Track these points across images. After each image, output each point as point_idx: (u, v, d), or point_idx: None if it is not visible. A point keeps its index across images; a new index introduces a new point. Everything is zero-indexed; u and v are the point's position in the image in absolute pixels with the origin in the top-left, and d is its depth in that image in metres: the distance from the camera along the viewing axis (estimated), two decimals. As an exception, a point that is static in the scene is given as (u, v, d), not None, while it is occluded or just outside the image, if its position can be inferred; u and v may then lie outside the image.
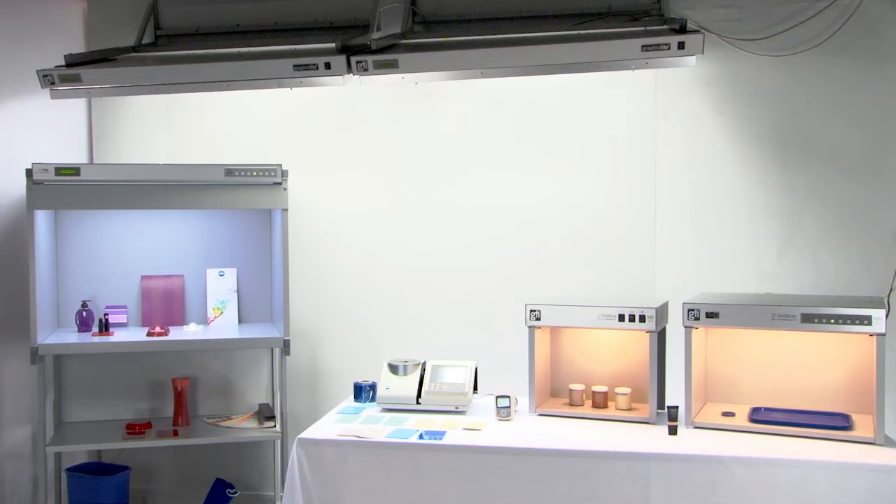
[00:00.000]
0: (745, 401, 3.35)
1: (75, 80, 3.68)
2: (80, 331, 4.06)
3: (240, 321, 4.30)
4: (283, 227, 3.93)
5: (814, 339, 3.23)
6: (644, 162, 4.00)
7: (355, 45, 3.60)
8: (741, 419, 3.19)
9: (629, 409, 3.35)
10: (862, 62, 3.73)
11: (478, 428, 3.22)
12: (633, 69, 3.45)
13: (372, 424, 3.31)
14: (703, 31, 3.51)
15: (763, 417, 3.17)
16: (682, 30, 3.31)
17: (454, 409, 3.44)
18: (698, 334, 3.23)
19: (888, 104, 3.73)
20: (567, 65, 3.46)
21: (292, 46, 4.00)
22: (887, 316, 2.96)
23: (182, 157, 4.31)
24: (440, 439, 3.10)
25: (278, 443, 4.01)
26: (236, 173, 3.87)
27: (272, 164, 3.91)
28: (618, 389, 3.38)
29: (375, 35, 3.78)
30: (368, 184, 4.28)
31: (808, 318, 3.03)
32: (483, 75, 3.56)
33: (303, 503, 3.10)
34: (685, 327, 3.20)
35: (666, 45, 3.27)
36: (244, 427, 4.07)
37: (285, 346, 3.92)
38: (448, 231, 4.21)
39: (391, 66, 3.46)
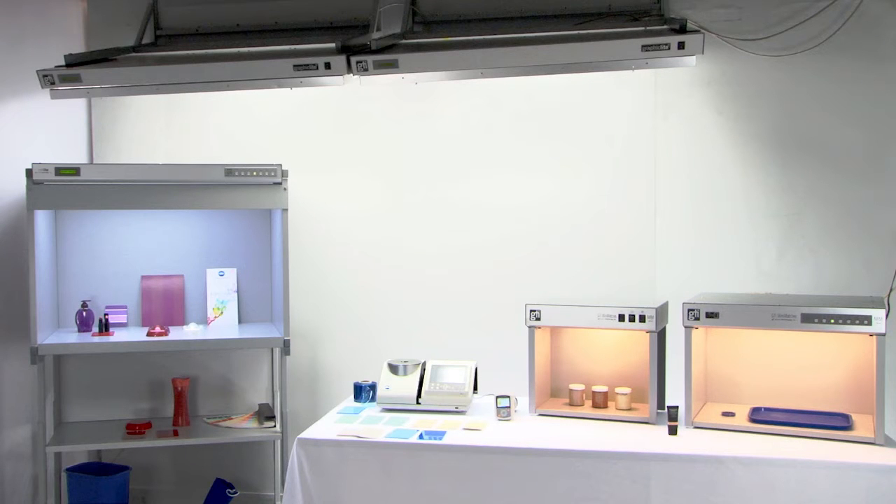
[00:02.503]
0: (745, 401, 3.35)
1: (75, 80, 3.68)
2: (80, 331, 4.06)
3: (240, 321, 4.30)
4: (283, 227, 3.93)
5: (814, 339, 3.23)
6: (644, 162, 4.00)
7: (355, 45, 3.60)
8: (741, 419, 3.19)
9: (629, 409, 3.35)
10: (862, 62, 3.73)
11: (478, 428, 3.22)
12: (633, 69, 3.45)
13: (372, 424, 3.31)
14: (703, 31, 3.51)
15: (763, 417, 3.17)
16: (682, 30, 3.31)
17: (454, 409, 3.44)
18: (698, 334, 3.23)
19: (888, 104, 3.73)
20: (567, 65, 3.46)
21: (292, 46, 4.00)
22: (887, 316, 2.96)
23: (182, 157, 4.32)
24: (440, 439, 3.10)
25: (278, 443, 4.01)
26: (236, 173, 3.87)
27: (272, 164, 3.91)
28: (618, 389, 3.38)
29: (375, 35, 3.78)
30: (368, 184, 4.28)
31: (808, 318, 3.03)
32: (483, 75, 3.56)
33: (303, 503, 3.10)
34: (685, 327, 3.20)
35: (666, 45, 3.28)
36: (244, 427, 4.07)
37: (285, 346, 3.92)
38: (448, 231, 4.21)
39: (391, 66, 3.46)
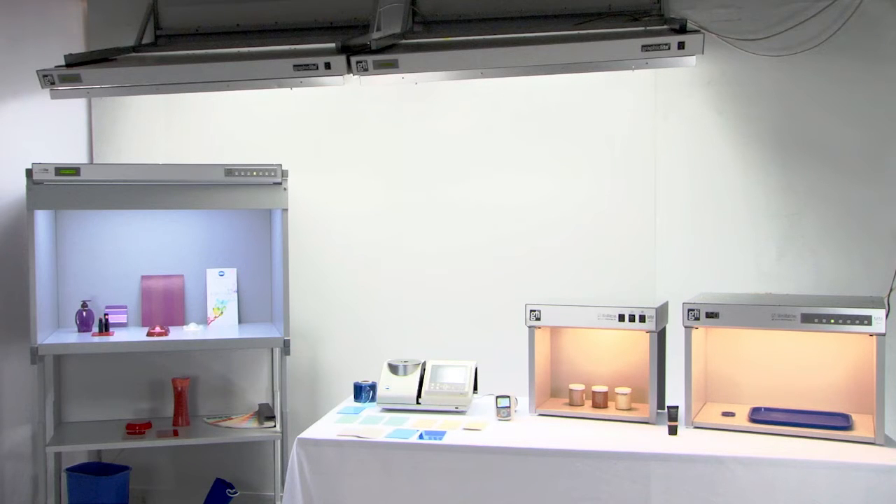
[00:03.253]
0: (745, 401, 3.35)
1: (75, 80, 3.68)
2: (80, 331, 4.06)
3: (240, 321, 4.30)
4: (283, 227, 3.93)
5: (814, 339, 3.23)
6: (644, 162, 4.00)
7: (355, 45, 3.60)
8: (741, 419, 3.19)
9: (629, 409, 3.35)
10: (862, 62, 3.73)
11: (478, 428, 3.22)
12: (633, 69, 3.45)
13: (372, 424, 3.31)
14: (703, 31, 3.52)
15: (763, 417, 3.17)
16: (682, 30, 3.31)
17: (454, 409, 3.44)
18: (698, 334, 3.23)
19: (888, 104, 3.73)
20: (567, 65, 3.46)
21: (292, 46, 4.00)
22: (887, 316, 2.96)
23: (182, 157, 4.32)
24: (440, 439, 3.10)
25: (278, 443, 4.01)
26: (236, 173, 3.87)
27: (272, 164, 3.91)
28: (618, 389, 3.38)
29: (375, 35, 3.78)
30: (368, 184, 4.28)
31: (808, 318, 3.03)
32: (483, 75, 3.56)
33: (303, 503, 3.10)
34: (685, 327, 3.20)
35: (666, 45, 3.28)
36: (244, 427, 4.07)
37: (285, 346, 3.92)
38: (448, 231, 4.21)
39: (391, 66, 3.46)
